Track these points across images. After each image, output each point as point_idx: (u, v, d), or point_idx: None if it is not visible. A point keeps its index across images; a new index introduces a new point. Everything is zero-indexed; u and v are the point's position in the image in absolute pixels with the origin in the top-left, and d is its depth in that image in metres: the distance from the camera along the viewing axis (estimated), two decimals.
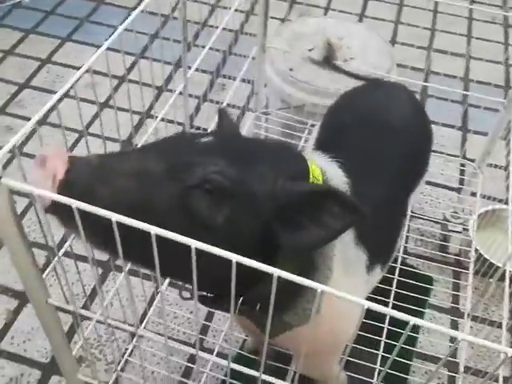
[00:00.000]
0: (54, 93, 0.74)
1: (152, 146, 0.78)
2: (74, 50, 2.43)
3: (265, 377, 0.74)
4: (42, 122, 2.01)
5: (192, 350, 0.78)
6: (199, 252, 0.58)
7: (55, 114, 1.61)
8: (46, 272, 0.77)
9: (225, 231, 0.71)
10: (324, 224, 0.73)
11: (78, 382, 0.93)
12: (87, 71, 0.81)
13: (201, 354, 0.76)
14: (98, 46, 2.57)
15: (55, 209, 0.63)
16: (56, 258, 0.74)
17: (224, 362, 0.77)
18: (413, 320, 0.57)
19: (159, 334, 0.91)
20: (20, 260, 0.70)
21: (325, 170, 0.87)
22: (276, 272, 0.57)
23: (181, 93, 1.28)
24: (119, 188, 0.67)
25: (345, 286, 0.88)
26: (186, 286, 0.86)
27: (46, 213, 0.65)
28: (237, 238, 0.72)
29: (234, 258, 0.57)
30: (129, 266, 0.79)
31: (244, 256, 0.60)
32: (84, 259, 1.66)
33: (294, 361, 1.21)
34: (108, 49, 0.88)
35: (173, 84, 2.23)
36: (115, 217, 0.57)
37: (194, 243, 0.57)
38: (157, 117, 1.19)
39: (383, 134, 1.12)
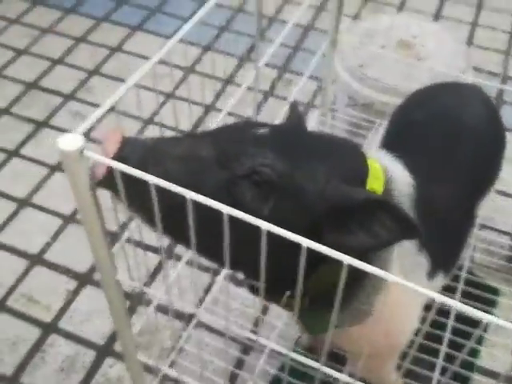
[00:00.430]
0: (123, 81, 0.74)
1: (208, 133, 0.77)
2: (144, 39, 2.46)
3: (325, 369, 0.72)
4: (113, 111, 2.04)
5: (250, 335, 0.77)
6: (256, 236, 0.57)
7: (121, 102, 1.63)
8: (115, 248, 0.78)
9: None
10: (374, 233, 0.71)
11: (136, 362, 0.93)
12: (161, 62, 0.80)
13: (260, 339, 0.74)
14: (168, 37, 2.59)
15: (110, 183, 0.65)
16: (125, 235, 0.74)
17: (282, 350, 0.75)
18: (485, 318, 0.53)
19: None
20: (93, 231, 0.71)
21: (389, 169, 0.84)
22: (346, 260, 0.55)
23: (249, 87, 1.26)
24: (169, 170, 0.67)
25: (403, 292, 0.85)
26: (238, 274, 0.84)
27: (98, 186, 0.66)
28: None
29: (305, 242, 0.55)
30: (191, 253, 0.78)
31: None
32: (144, 246, 1.67)
33: (349, 362, 1.18)
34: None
35: (240, 78, 2.23)
36: (190, 194, 0.57)
37: (265, 225, 0.56)
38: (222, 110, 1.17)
39: (454, 136, 1.07)
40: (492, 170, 1.15)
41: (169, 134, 0.85)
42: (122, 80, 2.20)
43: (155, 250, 1.58)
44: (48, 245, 1.74)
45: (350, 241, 0.72)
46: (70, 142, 0.61)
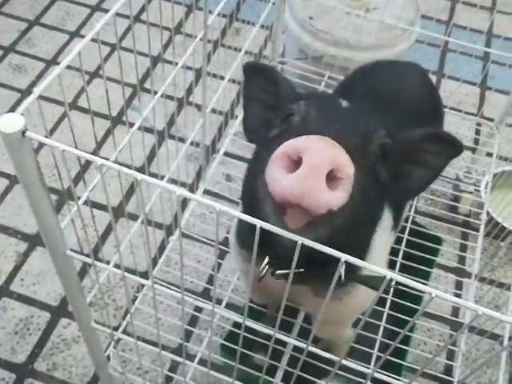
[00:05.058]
0: (64, 31, 0.71)
1: (313, 118, 0.71)
2: None
3: (279, 336, 0.75)
4: (56, 63, 1.97)
5: (208, 306, 0.78)
6: None
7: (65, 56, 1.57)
8: (64, 223, 0.77)
9: (389, 189, 0.75)
10: (427, 164, 0.77)
11: (90, 329, 0.94)
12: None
13: (216, 309, 0.76)
14: None
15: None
16: (75, 208, 0.73)
17: (237, 319, 0.77)
18: (433, 292, 0.56)
19: (170, 284, 0.92)
20: (42, 212, 0.70)
21: None
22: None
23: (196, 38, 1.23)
24: None
25: (381, 243, 0.90)
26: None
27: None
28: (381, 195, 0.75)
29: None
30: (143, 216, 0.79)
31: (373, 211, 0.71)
32: (95, 205, 1.64)
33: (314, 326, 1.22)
34: None
35: (187, 28, 2.17)
36: None
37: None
38: (172, 62, 1.14)
39: (393, 106, 1.11)
40: None
41: (115, 86, 0.82)
42: (63, 30, 2.11)
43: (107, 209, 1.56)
44: None
45: (410, 182, 0.77)
46: (11, 123, 0.57)
